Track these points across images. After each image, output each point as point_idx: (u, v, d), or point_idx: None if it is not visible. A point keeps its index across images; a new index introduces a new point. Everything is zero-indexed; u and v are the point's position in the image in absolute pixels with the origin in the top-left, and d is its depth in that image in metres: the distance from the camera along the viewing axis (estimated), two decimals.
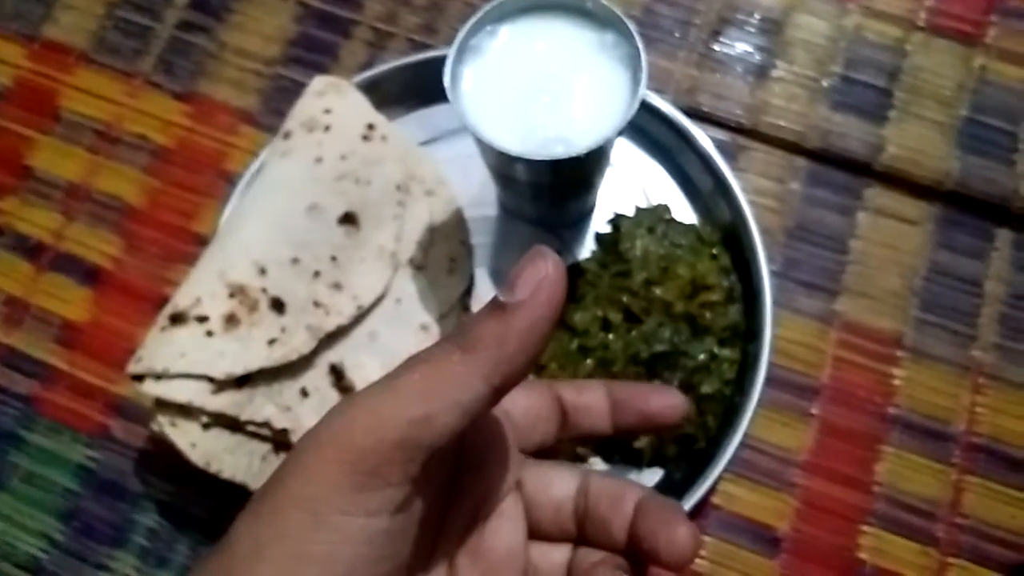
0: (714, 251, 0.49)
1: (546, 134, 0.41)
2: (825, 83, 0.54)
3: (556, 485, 0.31)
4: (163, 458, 0.47)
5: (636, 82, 0.41)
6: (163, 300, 0.46)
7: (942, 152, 0.52)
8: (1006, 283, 0.50)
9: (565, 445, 0.46)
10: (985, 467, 0.47)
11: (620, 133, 0.41)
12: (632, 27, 0.41)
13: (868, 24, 0.56)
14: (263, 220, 0.47)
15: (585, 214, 0.52)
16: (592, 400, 0.33)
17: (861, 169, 0.53)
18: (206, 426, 0.43)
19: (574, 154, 0.39)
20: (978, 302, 0.50)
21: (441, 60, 0.41)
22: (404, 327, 0.48)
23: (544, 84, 0.42)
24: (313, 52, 0.57)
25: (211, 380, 0.42)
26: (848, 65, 0.55)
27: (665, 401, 0.33)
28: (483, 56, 0.43)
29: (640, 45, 0.41)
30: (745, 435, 0.45)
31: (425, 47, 0.56)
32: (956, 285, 0.50)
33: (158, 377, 0.42)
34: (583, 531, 0.30)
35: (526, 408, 0.32)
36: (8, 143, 0.56)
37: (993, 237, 0.51)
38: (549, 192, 0.48)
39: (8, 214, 0.55)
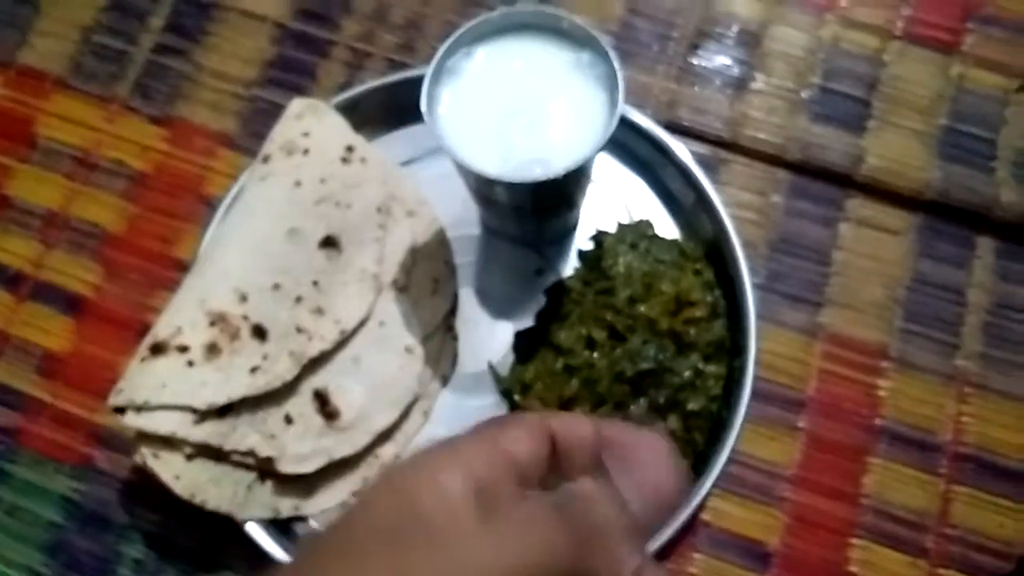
0: (697, 266, 0.49)
1: (524, 156, 0.41)
2: (804, 95, 0.55)
3: (579, 427, 0.30)
4: (149, 488, 0.47)
5: (613, 102, 0.41)
6: (145, 327, 0.46)
7: (922, 161, 0.53)
8: (989, 291, 0.50)
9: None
10: (972, 477, 0.47)
11: (599, 151, 0.41)
12: (608, 46, 0.41)
13: (845, 34, 0.56)
14: (243, 246, 0.47)
15: (567, 231, 0.52)
16: (581, 437, 0.31)
17: (842, 180, 0.53)
18: (190, 457, 0.42)
19: (552, 176, 0.39)
20: (961, 311, 0.50)
21: (420, 79, 0.41)
22: (388, 350, 0.48)
23: (521, 105, 0.42)
24: (291, 73, 0.57)
25: (193, 411, 0.42)
26: (826, 76, 0.55)
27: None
28: (460, 78, 0.43)
29: (617, 65, 0.41)
30: (733, 450, 0.45)
31: (404, 66, 0.56)
32: (939, 294, 0.51)
33: (139, 409, 0.42)
34: None
35: (529, 455, 0.30)
36: None
37: (975, 245, 0.51)
38: (530, 212, 0.48)
39: None
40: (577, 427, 0.31)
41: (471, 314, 0.51)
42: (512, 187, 0.41)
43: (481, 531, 0.25)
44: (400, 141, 0.54)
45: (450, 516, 0.26)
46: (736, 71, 0.55)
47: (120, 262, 0.53)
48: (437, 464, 0.27)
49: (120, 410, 0.42)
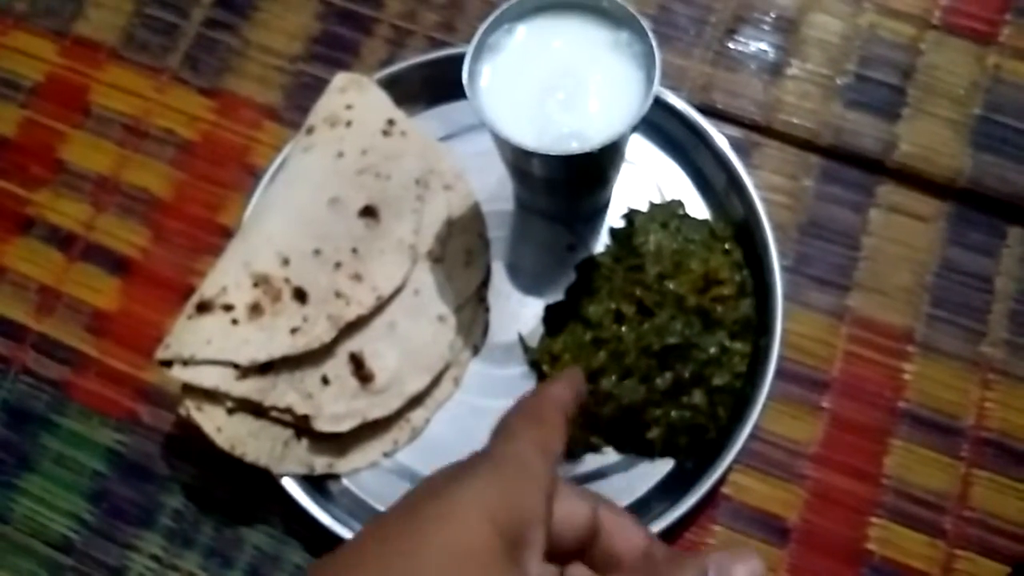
0: (727, 246, 0.50)
1: (561, 130, 0.42)
2: (839, 81, 0.55)
3: (575, 512, 0.29)
4: (189, 442, 0.49)
5: (650, 80, 0.42)
6: (190, 290, 0.48)
7: (955, 150, 0.53)
8: (1017, 280, 0.51)
9: (579, 435, 0.48)
10: (993, 461, 0.48)
11: (634, 130, 0.42)
12: (647, 25, 0.42)
13: (882, 23, 0.56)
14: (286, 213, 0.48)
15: (600, 209, 0.53)
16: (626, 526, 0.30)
17: (874, 166, 0.53)
18: (231, 411, 0.44)
19: (588, 150, 0.40)
20: (989, 298, 0.51)
21: (460, 57, 0.43)
22: (422, 318, 0.49)
23: (560, 81, 0.43)
24: (335, 49, 0.58)
25: (236, 367, 0.44)
26: (862, 63, 0.55)
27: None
28: (501, 54, 0.44)
29: (654, 43, 0.42)
30: (755, 427, 0.46)
31: (444, 44, 0.57)
32: (967, 282, 0.51)
33: (185, 363, 0.44)
34: None
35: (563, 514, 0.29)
36: (40, 137, 0.58)
37: (1005, 235, 0.52)
38: (564, 187, 0.49)
39: (40, 206, 0.56)
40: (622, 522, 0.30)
41: (503, 287, 0.52)
42: (548, 160, 0.42)
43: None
44: (438, 117, 0.56)
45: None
46: (772, 56, 0.56)
47: (167, 226, 0.55)
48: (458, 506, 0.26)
49: (167, 364, 0.44)
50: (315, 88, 0.54)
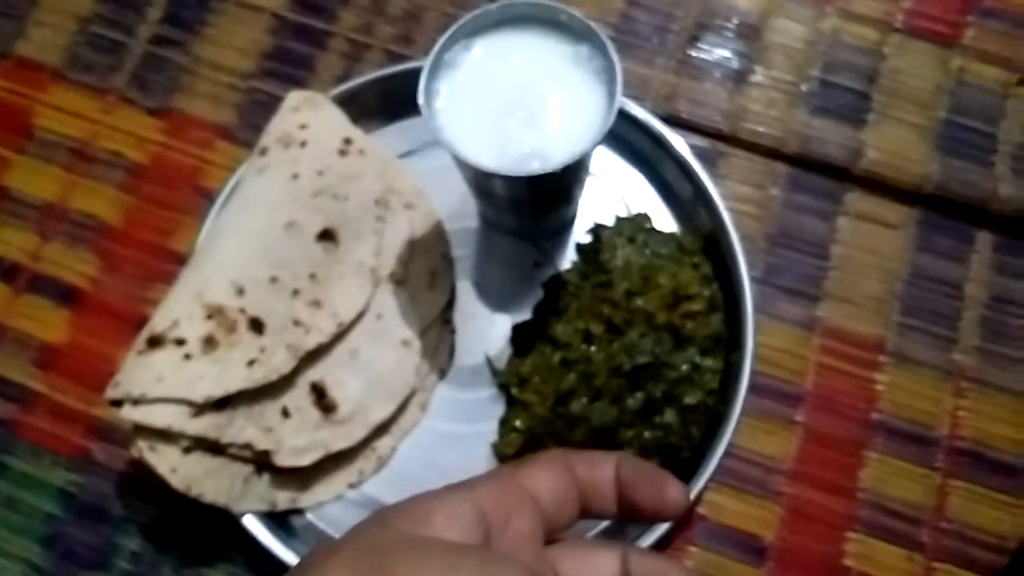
0: (695, 260, 0.49)
1: (522, 150, 0.41)
2: (804, 87, 0.54)
3: (599, 568, 0.29)
4: (146, 481, 0.47)
5: (612, 95, 0.40)
6: (142, 319, 0.46)
7: (921, 155, 0.52)
8: (986, 286, 0.50)
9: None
10: (969, 471, 0.47)
11: (598, 145, 0.41)
12: (607, 40, 0.41)
13: (845, 27, 0.56)
14: (240, 238, 0.47)
15: (565, 225, 0.52)
16: (601, 475, 0.31)
17: (841, 174, 0.53)
18: (187, 450, 0.42)
19: (550, 170, 0.39)
20: (959, 305, 0.50)
21: (418, 71, 0.41)
22: (386, 343, 0.48)
23: (519, 99, 0.42)
24: (289, 65, 0.56)
25: (190, 404, 0.42)
26: (826, 69, 0.55)
27: (678, 494, 0.31)
28: (458, 71, 0.43)
29: (615, 58, 0.40)
30: (729, 444, 0.45)
31: (402, 58, 0.56)
32: (937, 289, 0.51)
33: (136, 402, 0.42)
34: None
35: (553, 492, 0.30)
36: None
37: (973, 240, 0.51)
38: (528, 205, 0.48)
39: None
40: (597, 466, 0.31)
41: (469, 307, 0.51)
42: (510, 181, 0.41)
43: (472, 554, 0.25)
44: (398, 133, 0.54)
45: (462, 535, 0.26)
46: (735, 64, 0.55)
47: (117, 254, 0.53)
48: (448, 494, 0.28)
49: (117, 403, 0.42)
50: (269, 105, 0.52)
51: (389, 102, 0.53)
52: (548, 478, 0.30)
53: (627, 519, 0.31)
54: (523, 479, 0.29)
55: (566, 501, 0.30)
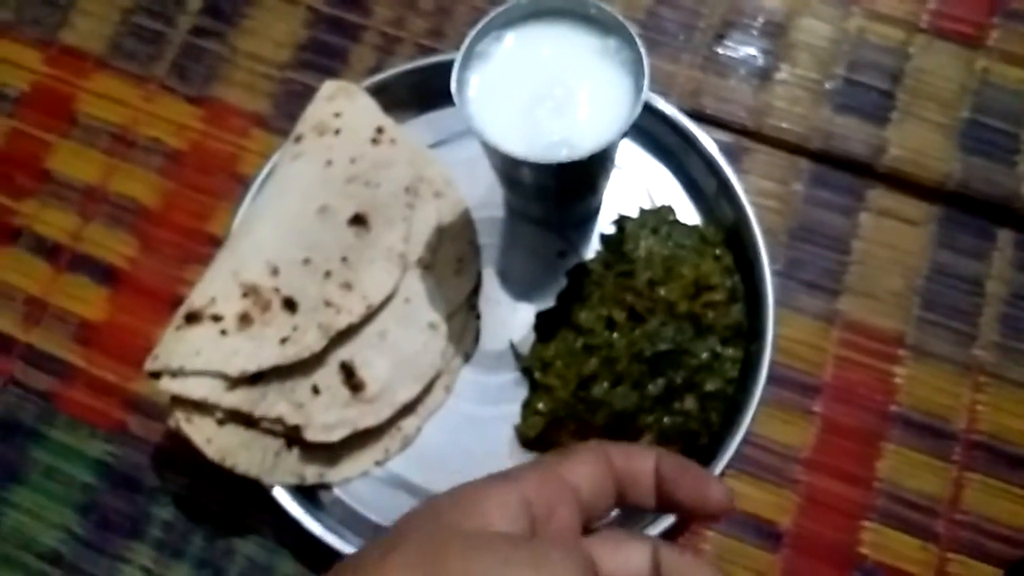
0: (717, 251, 0.49)
1: (551, 138, 0.42)
2: (828, 85, 0.55)
3: (631, 560, 0.29)
4: (179, 453, 0.49)
5: (639, 87, 0.42)
6: (178, 300, 0.48)
7: (944, 153, 0.53)
8: (1007, 283, 0.51)
9: (569, 441, 0.48)
10: (985, 464, 0.48)
11: (624, 136, 0.42)
12: (635, 32, 0.42)
13: (871, 27, 0.56)
14: (275, 222, 0.48)
15: (590, 215, 0.53)
16: (639, 468, 0.31)
17: (863, 170, 0.53)
18: (221, 422, 0.44)
19: (577, 158, 0.40)
20: (979, 301, 0.51)
21: (449, 64, 0.42)
22: (413, 326, 0.49)
23: (549, 89, 0.43)
24: (323, 56, 0.58)
25: (225, 377, 0.43)
26: (851, 67, 0.55)
27: (721, 494, 0.31)
28: (489, 62, 0.44)
29: (643, 51, 0.42)
30: (748, 432, 0.46)
31: (433, 51, 0.57)
32: (957, 285, 0.51)
33: (174, 375, 0.43)
34: None
35: (592, 481, 0.30)
36: (27, 147, 0.58)
37: (995, 237, 0.52)
38: (554, 194, 0.49)
39: (27, 216, 0.56)
40: (634, 457, 0.31)
41: (494, 294, 0.52)
42: (538, 168, 0.42)
43: (523, 547, 0.26)
44: (427, 125, 0.55)
45: (510, 525, 0.27)
46: (761, 61, 0.56)
47: (155, 236, 0.55)
48: (495, 483, 0.28)
49: (156, 375, 0.44)
50: (303, 95, 0.54)
51: (419, 94, 0.55)
52: (588, 470, 0.30)
53: (666, 512, 0.31)
54: (564, 471, 0.29)
55: (604, 493, 0.30)
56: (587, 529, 0.30)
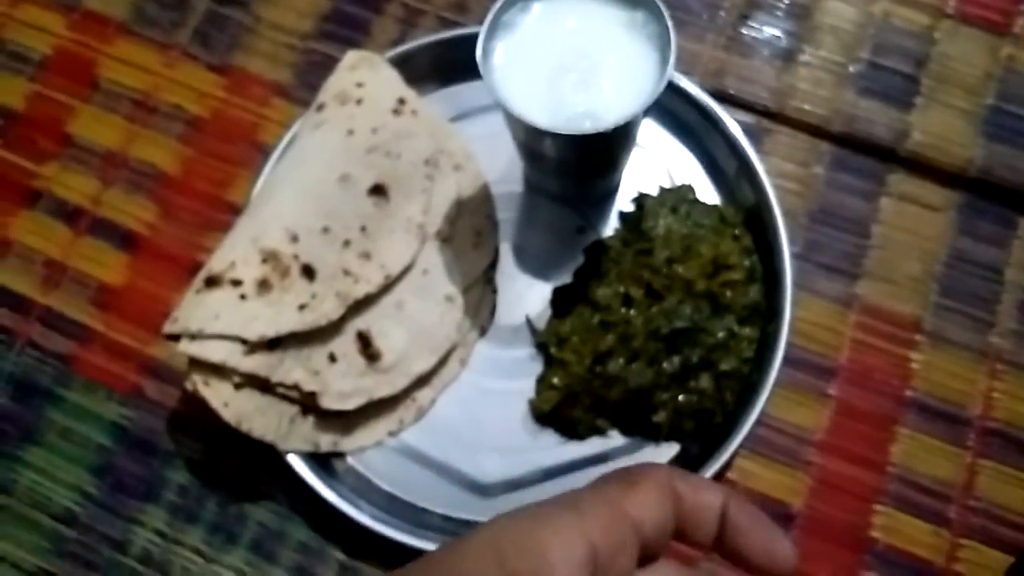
0: (736, 232, 0.49)
1: (574, 110, 0.42)
2: (852, 68, 0.55)
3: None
4: (194, 418, 0.49)
5: (664, 61, 0.41)
6: (196, 266, 0.48)
7: (967, 140, 0.53)
8: None
9: (585, 417, 0.48)
10: (999, 451, 0.48)
11: (647, 112, 0.42)
12: (662, 5, 0.42)
13: (896, 11, 0.56)
14: (296, 189, 0.48)
15: (610, 192, 0.53)
16: (707, 506, 0.29)
17: (885, 155, 0.53)
18: (238, 386, 0.44)
19: (601, 130, 0.40)
20: (998, 289, 0.50)
21: (471, 38, 0.42)
22: (430, 298, 0.49)
23: (574, 61, 0.43)
24: (345, 27, 0.58)
25: (244, 342, 0.44)
26: (875, 51, 0.55)
27: (788, 552, 0.29)
28: (515, 32, 0.44)
29: (670, 24, 0.41)
30: (762, 413, 0.46)
31: (455, 25, 0.57)
32: (976, 272, 0.51)
33: (193, 337, 0.44)
34: None
35: (655, 516, 0.28)
36: (49, 111, 0.58)
37: (1015, 225, 0.52)
38: (575, 168, 0.49)
39: (48, 179, 0.56)
40: (702, 492, 0.29)
41: (511, 269, 0.52)
42: (561, 139, 0.42)
43: None
44: (448, 98, 0.55)
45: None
46: (785, 43, 0.56)
47: (175, 202, 0.55)
48: (561, 523, 0.27)
49: (174, 338, 0.44)
50: (325, 66, 0.54)
51: (441, 67, 0.55)
52: (654, 503, 0.28)
53: (722, 556, 0.30)
54: (630, 506, 0.28)
55: (665, 530, 0.29)
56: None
